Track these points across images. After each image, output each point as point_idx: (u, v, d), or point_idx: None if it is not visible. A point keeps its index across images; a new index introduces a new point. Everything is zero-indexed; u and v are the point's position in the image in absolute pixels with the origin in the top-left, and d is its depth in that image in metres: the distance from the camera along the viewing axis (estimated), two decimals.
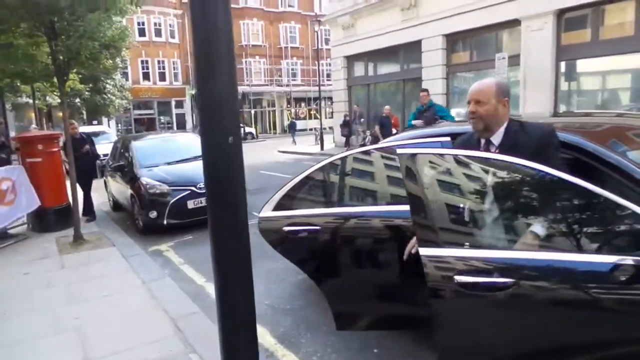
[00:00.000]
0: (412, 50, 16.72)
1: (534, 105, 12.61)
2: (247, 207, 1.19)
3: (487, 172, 1.95)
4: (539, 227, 1.80)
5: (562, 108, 12.81)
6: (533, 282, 1.79)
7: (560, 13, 12.06)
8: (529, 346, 1.86)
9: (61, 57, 5.96)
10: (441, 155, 2.03)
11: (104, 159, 10.11)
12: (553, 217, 1.87)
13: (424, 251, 1.84)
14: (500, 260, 1.81)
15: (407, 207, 1.92)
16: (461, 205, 1.95)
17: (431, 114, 8.21)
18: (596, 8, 11.45)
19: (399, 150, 2.00)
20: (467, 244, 1.87)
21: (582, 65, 12.69)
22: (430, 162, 1.99)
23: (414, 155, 1.99)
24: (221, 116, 1.05)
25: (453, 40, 15.65)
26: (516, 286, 1.76)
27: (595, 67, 12.44)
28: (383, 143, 3.53)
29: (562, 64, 12.76)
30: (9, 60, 6.16)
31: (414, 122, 8.34)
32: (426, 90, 9.50)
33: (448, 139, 2.62)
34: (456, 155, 1.98)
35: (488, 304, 1.82)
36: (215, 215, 1.15)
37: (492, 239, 1.93)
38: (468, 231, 1.94)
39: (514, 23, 13.08)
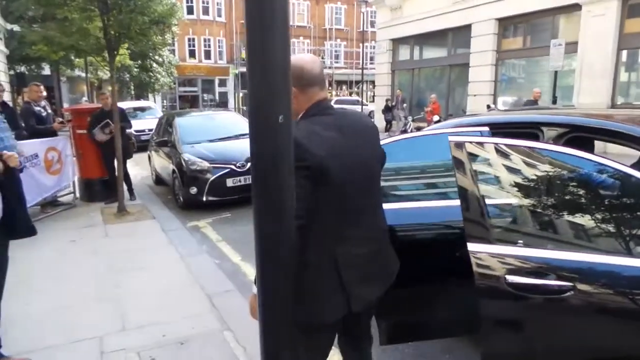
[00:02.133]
0: (460, 34, 16.11)
1: (590, 95, 11.91)
2: (293, 191, 1.12)
3: (545, 164, 1.80)
4: None
5: (620, 100, 12.05)
6: (593, 288, 1.65)
7: None
8: (583, 356, 1.72)
9: (112, 32, 6.07)
10: (495, 144, 1.88)
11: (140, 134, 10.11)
12: (618, 216, 1.70)
13: (472, 247, 1.72)
14: (557, 262, 1.67)
15: None
16: (515, 200, 1.81)
17: None
18: None
19: (450, 138, 1.87)
20: (520, 241, 1.74)
21: None
22: (483, 151, 1.86)
23: (463, 143, 1.86)
24: (272, 93, 0.97)
25: (505, 25, 14.94)
26: (573, 291, 1.62)
27: None
28: (426, 130, 3.35)
29: (624, 53, 11.98)
30: (64, 33, 6.33)
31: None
32: None
33: (487, 128, 2.45)
34: (513, 145, 1.83)
35: (541, 308, 1.69)
36: (260, 197, 1.08)
37: (549, 237, 1.78)
38: (522, 228, 1.80)
39: (574, 8, 12.32)
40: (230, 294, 3.90)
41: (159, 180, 9.03)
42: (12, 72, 21.53)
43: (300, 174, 1.35)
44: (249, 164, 7.09)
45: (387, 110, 18.56)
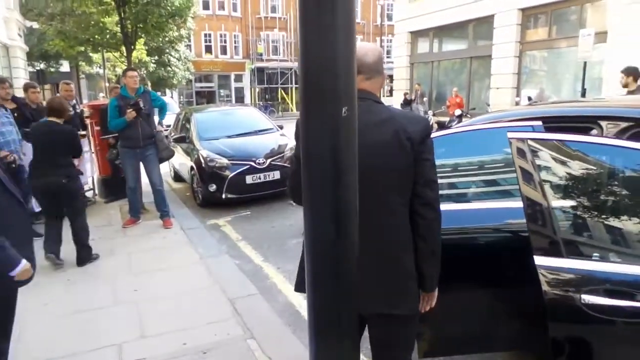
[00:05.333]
0: (481, 25, 15.66)
1: (619, 87, 11.41)
2: (357, 194, 0.91)
3: (625, 166, 1.55)
4: None
5: None
6: None
7: None
8: None
9: (129, 26, 5.94)
10: (564, 141, 1.64)
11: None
12: None
13: (540, 261, 1.49)
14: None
15: None
16: (588, 206, 1.57)
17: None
18: None
19: (509, 135, 1.64)
20: (595, 254, 1.50)
21: None
22: (551, 151, 1.61)
23: (525, 140, 1.62)
24: (335, 82, 0.77)
25: (529, 15, 14.44)
26: None
27: None
28: (469, 125, 3.09)
29: None
30: (81, 28, 6.24)
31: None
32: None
33: (539, 122, 2.20)
34: (587, 142, 1.58)
35: (624, 334, 1.45)
36: (316, 198, 0.88)
37: (630, 251, 1.54)
38: (598, 239, 1.56)
39: None
40: (253, 298, 3.72)
41: (177, 177, 8.92)
42: (31, 69, 21.76)
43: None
44: (268, 161, 7.02)
45: (406, 103, 18.19)
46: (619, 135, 2.25)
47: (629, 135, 2.22)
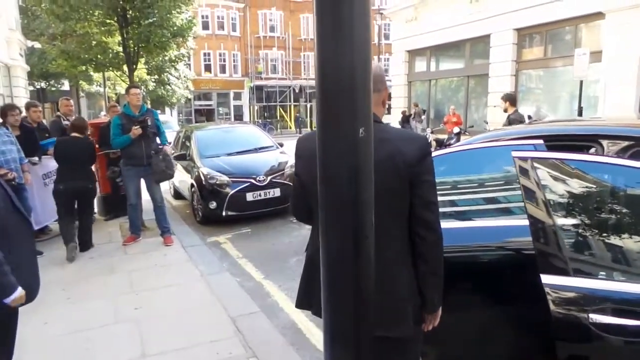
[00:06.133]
0: (478, 44, 15.91)
1: (615, 106, 11.56)
2: (373, 211, 0.93)
3: (631, 184, 1.57)
4: None
5: None
6: None
7: None
8: None
9: (131, 45, 6.02)
10: (569, 160, 1.66)
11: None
12: None
13: (547, 279, 1.50)
14: None
15: None
16: (595, 225, 1.59)
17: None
18: None
19: (514, 154, 1.66)
20: (602, 273, 1.51)
21: None
22: (556, 169, 1.64)
23: (530, 160, 1.65)
24: (353, 102, 0.79)
25: (524, 35, 14.69)
26: None
27: None
28: (471, 143, 3.12)
29: None
30: (83, 48, 6.32)
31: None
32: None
33: (541, 141, 2.23)
34: (592, 161, 1.61)
35: (634, 354, 1.45)
36: (333, 218, 0.89)
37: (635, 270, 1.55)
38: (605, 258, 1.57)
39: (598, 16, 12.03)
40: (255, 316, 3.70)
41: (177, 194, 8.92)
42: (32, 88, 21.90)
43: None
44: (269, 178, 7.03)
45: (405, 121, 18.33)
46: (620, 154, 2.28)
47: (630, 154, 2.26)
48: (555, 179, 1.65)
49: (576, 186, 1.65)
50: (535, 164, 1.62)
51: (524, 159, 1.63)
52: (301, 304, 1.81)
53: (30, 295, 2.20)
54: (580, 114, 11.59)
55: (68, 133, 5.65)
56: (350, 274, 0.92)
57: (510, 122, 6.59)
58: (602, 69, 11.98)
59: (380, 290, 1.53)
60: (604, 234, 1.58)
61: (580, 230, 1.60)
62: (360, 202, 0.86)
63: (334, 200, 0.88)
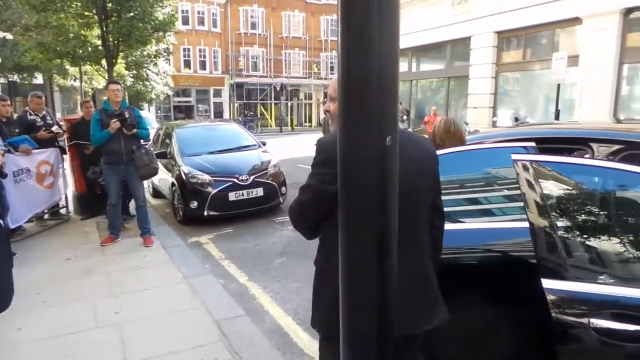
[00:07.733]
0: (459, 46, 16.10)
1: (591, 110, 11.85)
2: (397, 219, 0.88)
3: (632, 188, 1.57)
4: None
5: (622, 115, 11.98)
6: None
7: (627, 12, 11.24)
8: None
9: (111, 39, 5.84)
10: (569, 164, 1.65)
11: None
12: None
13: (547, 284, 1.48)
14: None
15: None
16: (596, 229, 1.58)
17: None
18: None
19: (514, 157, 1.64)
20: (602, 277, 1.50)
21: None
22: (557, 172, 1.63)
23: (529, 162, 1.63)
24: (381, 110, 0.74)
25: (504, 38, 14.93)
26: None
27: None
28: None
29: (625, 67, 11.93)
30: (61, 40, 6.09)
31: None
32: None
33: (533, 144, 2.23)
34: (596, 165, 1.60)
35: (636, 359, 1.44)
36: (358, 227, 0.84)
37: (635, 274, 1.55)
38: (606, 262, 1.56)
39: (575, 21, 12.30)
40: (240, 320, 3.62)
41: (156, 192, 8.73)
42: (3, 81, 21.16)
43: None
44: (252, 177, 6.94)
45: None
46: (610, 157, 2.30)
47: (620, 157, 2.28)
48: (556, 182, 1.63)
49: (576, 190, 1.64)
50: (535, 167, 1.60)
51: (525, 162, 1.61)
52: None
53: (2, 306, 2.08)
54: (557, 117, 11.83)
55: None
56: (373, 280, 0.87)
57: None
58: (579, 73, 12.25)
59: (422, 282, 1.57)
60: (605, 238, 1.57)
61: (580, 234, 1.59)
62: (386, 213, 0.82)
63: (360, 211, 0.83)
